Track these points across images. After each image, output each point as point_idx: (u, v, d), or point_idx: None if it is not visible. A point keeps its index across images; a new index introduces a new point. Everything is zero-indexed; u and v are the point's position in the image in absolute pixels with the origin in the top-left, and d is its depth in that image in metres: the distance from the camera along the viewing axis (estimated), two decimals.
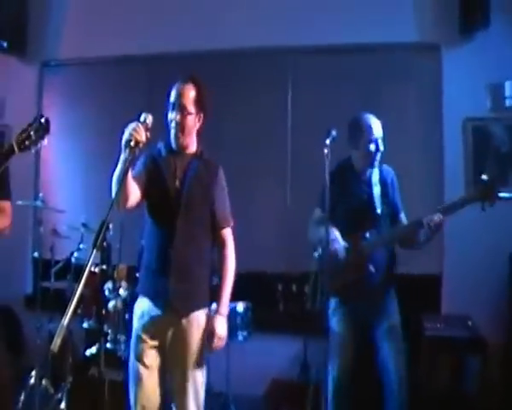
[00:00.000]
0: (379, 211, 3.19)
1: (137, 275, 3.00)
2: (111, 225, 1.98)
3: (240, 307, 3.93)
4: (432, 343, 3.73)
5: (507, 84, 4.27)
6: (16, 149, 2.40)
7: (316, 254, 3.18)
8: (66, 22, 5.14)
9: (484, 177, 3.12)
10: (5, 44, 4.91)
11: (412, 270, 4.14)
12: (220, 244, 2.70)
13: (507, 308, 4.01)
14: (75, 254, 4.14)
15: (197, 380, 2.55)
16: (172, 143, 2.63)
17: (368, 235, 3.15)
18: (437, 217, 2.99)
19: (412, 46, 4.55)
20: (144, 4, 4.94)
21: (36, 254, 4.46)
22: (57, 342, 1.71)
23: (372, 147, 3.14)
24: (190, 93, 2.57)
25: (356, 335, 3.16)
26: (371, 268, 3.11)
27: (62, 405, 3.68)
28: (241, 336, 3.92)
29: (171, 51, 4.79)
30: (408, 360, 3.25)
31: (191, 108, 2.57)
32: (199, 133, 2.67)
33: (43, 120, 2.43)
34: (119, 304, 3.78)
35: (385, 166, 3.28)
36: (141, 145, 2.28)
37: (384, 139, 3.17)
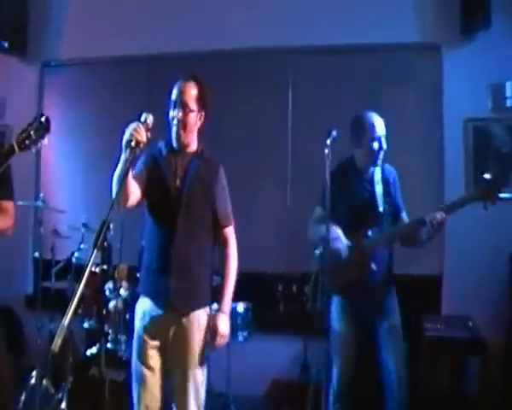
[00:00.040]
0: (381, 209, 3.19)
1: (138, 275, 3.00)
2: (111, 225, 1.98)
3: (240, 307, 3.94)
4: (432, 344, 3.72)
5: (508, 84, 4.26)
6: (16, 148, 2.40)
7: (317, 253, 3.18)
8: (66, 22, 5.14)
9: (487, 176, 3.11)
10: (6, 44, 4.92)
11: (412, 270, 4.15)
12: (223, 243, 2.70)
13: (507, 309, 4.01)
14: (76, 254, 4.15)
15: (198, 379, 2.55)
16: (173, 142, 2.63)
17: (370, 233, 3.15)
18: (439, 215, 2.99)
19: (413, 46, 4.55)
20: (145, 4, 4.95)
21: (36, 254, 4.47)
22: (58, 342, 1.71)
23: (375, 145, 3.13)
24: (192, 91, 2.58)
25: (357, 333, 3.16)
26: (373, 266, 3.11)
27: (63, 405, 3.68)
28: (241, 336, 3.92)
29: (171, 51, 4.79)
30: (408, 360, 3.25)
31: (193, 105, 2.57)
32: (200, 132, 2.68)
33: (43, 119, 2.42)
34: (120, 304, 3.78)
35: (387, 166, 3.28)
36: (141, 145, 2.28)
37: (387, 138, 3.18)
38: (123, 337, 3.75)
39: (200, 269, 2.62)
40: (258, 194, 4.81)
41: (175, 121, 2.58)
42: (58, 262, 4.19)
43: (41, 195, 4.20)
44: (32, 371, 3.88)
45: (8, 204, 2.72)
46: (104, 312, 3.76)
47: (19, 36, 5.04)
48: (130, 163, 2.28)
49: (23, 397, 3.78)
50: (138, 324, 2.62)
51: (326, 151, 2.82)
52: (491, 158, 4.31)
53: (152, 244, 2.64)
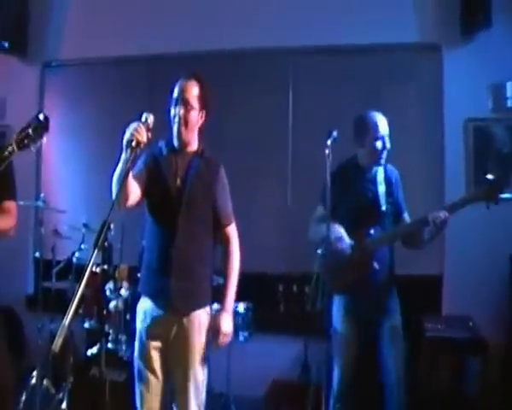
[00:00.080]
0: (383, 209, 3.19)
1: (138, 275, 3.00)
2: (112, 225, 1.97)
3: (241, 307, 3.94)
4: (432, 344, 3.73)
5: (508, 84, 4.26)
6: (15, 148, 2.40)
7: (319, 253, 3.18)
8: (67, 23, 5.14)
9: (489, 176, 3.12)
10: (6, 45, 4.92)
11: (413, 270, 4.15)
12: (225, 241, 2.70)
13: (508, 309, 4.01)
14: (76, 255, 4.15)
15: (198, 379, 2.56)
16: (174, 140, 2.63)
17: (372, 232, 3.15)
18: (442, 214, 2.99)
19: (413, 47, 4.55)
20: (145, 5, 4.95)
21: (37, 255, 4.47)
22: (58, 342, 1.71)
23: (378, 144, 3.13)
24: (194, 89, 2.58)
25: (359, 333, 3.15)
26: (375, 265, 3.11)
27: (63, 405, 3.69)
28: (241, 336, 3.92)
29: (171, 52, 4.79)
30: (409, 360, 3.25)
31: (194, 103, 2.58)
32: (200, 131, 2.68)
33: (41, 117, 2.42)
34: (121, 304, 3.78)
35: (389, 166, 3.28)
36: (142, 145, 2.28)
37: (390, 137, 3.17)
38: (123, 337, 3.75)
39: (201, 269, 2.62)
40: (258, 194, 4.81)
41: (176, 119, 2.58)
42: (59, 262, 4.19)
43: (42, 195, 4.20)
44: (33, 371, 3.88)
45: (11, 204, 2.71)
46: (105, 312, 3.76)
47: (19, 36, 5.05)
48: (131, 163, 2.27)
49: (24, 397, 3.78)
50: (140, 325, 2.62)
51: (326, 151, 2.82)
52: (491, 158, 4.31)
53: (152, 244, 2.64)
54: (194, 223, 2.58)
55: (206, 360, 2.59)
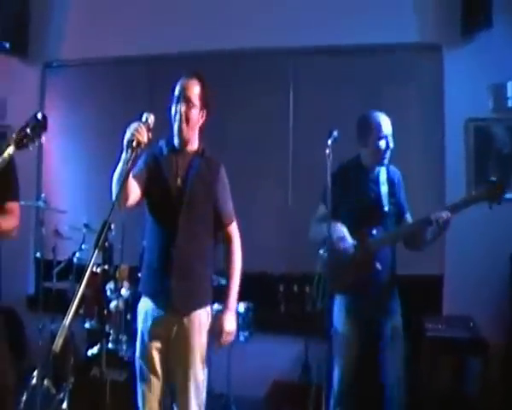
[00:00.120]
0: (386, 209, 3.18)
1: (139, 275, 3.00)
2: (113, 226, 1.98)
3: (241, 307, 3.94)
4: (433, 344, 3.73)
5: (509, 84, 4.26)
6: (14, 148, 2.39)
7: (321, 253, 3.17)
8: (67, 23, 5.15)
9: (493, 179, 3.12)
10: (7, 45, 4.92)
11: (413, 270, 4.14)
12: (226, 240, 2.71)
13: (508, 309, 4.01)
14: (77, 255, 4.16)
15: (198, 379, 2.56)
16: (175, 137, 2.63)
17: (375, 232, 3.15)
18: (445, 214, 2.98)
19: (414, 47, 4.55)
20: (145, 5, 4.95)
21: (38, 255, 4.47)
22: (59, 342, 1.71)
23: (382, 144, 3.12)
24: (195, 87, 2.59)
25: (360, 333, 3.15)
26: (378, 266, 3.11)
27: (64, 405, 3.69)
28: (242, 336, 3.92)
29: (172, 52, 4.79)
30: (409, 360, 3.25)
31: (196, 101, 2.58)
32: (201, 131, 2.68)
33: (39, 116, 2.41)
34: (121, 304, 3.78)
35: (392, 167, 3.27)
36: (142, 145, 2.28)
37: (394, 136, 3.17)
38: (124, 338, 3.75)
39: (202, 269, 2.62)
40: (259, 194, 4.81)
41: (177, 116, 2.58)
42: (59, 263, 4.20)
43: (42, 195, 4.20)
44: (34, 371, 3.88)
45: (14, 205, 2.70)
46: (105, 312, 3.75)
47: (20, 37, 5.05)
48: (132, 163, 2.27)
49: (24, 397, 3.78)
50: (141, 325, 2.63)
51: (327, 151, 2.82)
52: (492, 158, 4.31)
53: (153, 244, 2.64)
54: (195, 223, 2.58)
55: (206, 359, 2.60)
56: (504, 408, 3.79)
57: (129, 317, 3.77)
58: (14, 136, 2.40)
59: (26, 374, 3.89)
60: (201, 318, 2.59)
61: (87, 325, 3.92)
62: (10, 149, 2.38)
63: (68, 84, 5.27)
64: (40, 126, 2.41)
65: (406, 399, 3.13)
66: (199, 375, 2.56)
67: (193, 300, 2.59)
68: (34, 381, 3.84)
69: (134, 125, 2.30)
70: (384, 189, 3.21)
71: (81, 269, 3.64)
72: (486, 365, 3.67)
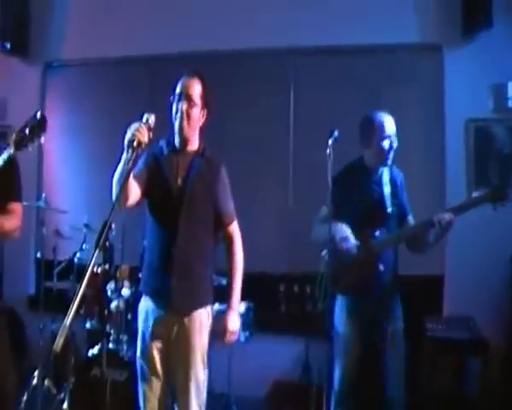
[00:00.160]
0: (389, 210, 3.18)
1: (140, 275, 3.01)
2: (113, 226, 1.98)
3: (241, 307, 3.93)
4: (433, 344, 3.73)
5: (509, 84, 4.26)
6: (13, 148, 2.39)
7: (324, 253, 3.17)
8: (68, 23, 5.15)
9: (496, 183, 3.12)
10: (8, 45, 4.93)
11: (414, 271, 4.13)
12: (228, 240, 2.71)
13: (509, 309, 4.01)
14: (78, 255, 4.16)
15: (199, 379, 2.56)
16: (176, 136, 2.63)
17: (377, 233, 3.15)
18: (448, 215, 2.98)
19: (414, 47, 4.55)
20: (146, 6, 4.95)
21: (38, 255, 4.48)
22: (60, 342, 1.72)
23: (385, 144, 3.11)
24: (196, 87, 2.60)
25: (361, 334, 3.15)
26: (381, 267, 3.11)
27: (65, 405, 3.69)
28: (242, 336, 3.92)
29: (172, 52, 4.79)
30: (410, 360, 3.25)
31: (197, 100, 2.59)
32: (201, 131, 2.69)
33: (38, 116, 2.41)
34: (122, 304, 3.79)
35: (394, 168, 3.27)
36: (143, 145, 2.28)
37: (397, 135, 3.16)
38: (125, 338, 3.75)
39: (202, 268, 2.62)
40: (259, 194, 4.81)
41: (178, 114, 2.58)
42: (60, 263, 4.20)
43: (43, 195, 4.20)
44: (34, 371, 3.88)
45: (16, 206, 2.70)
46: (106, 312, 3.77)
47: (21, 36, 5.06)
48: (132, 163, 2.27)
49: (25, 397, 3.78)
50: (142, 325, 2.63)
51: (327, 151, 2.82)
52: (492, 159, 4.31)
53: (153, 244, 2.64)
54: (196, 223, 2.59)
55: (206, 359, 2.60)
56: (504, 408, 3.79)
57: (129, 317, 3.77)
58: (14, 136, 2.40)
59: (27, 374, 3.89)
60: (202, 318, 2.59)
61: (88, 325, 3.92)
62: (10, 150, 2.38)
63: (69, 85, 5.28)
64: (39, 127, 2.41)
65: (406, 399, 3.13)
66: (199, 375, 2.56)
67: (193, 300, 2.59)
68: (35, 381, 3.84)
69: (135, 126, 2.30)
70: (387, 190, 3.20)
71: (82, 269, 3.65)
72: (487, 365, 3.67)
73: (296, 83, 4.79)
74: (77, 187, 5.14)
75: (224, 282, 3.56)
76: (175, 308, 2.55)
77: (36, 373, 3.87)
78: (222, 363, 3.82)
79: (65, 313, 1.75)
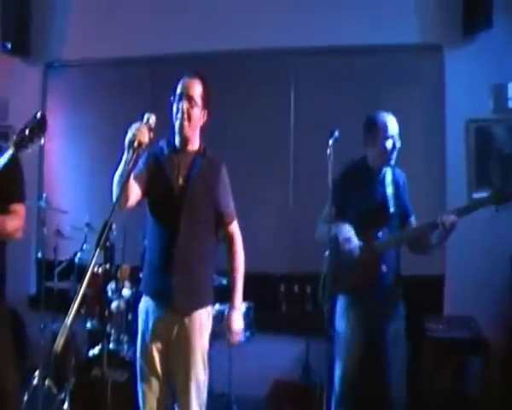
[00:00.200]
0: (392, 211, 3.18)
1: (140, 275, 3.01)
2: (114, 226, 1.99)
3: (242, 307, 3.93)
4: (434, 344, 3.73)
5: (510, 85, 4.27)
6: (14, 150, 2.39)
7: (327, 254, 3.16)
8: (69, 24, 5.16)
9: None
10: (9, 46, 4.94)
11: (415, 271, 4.13)
12: (228, 239, 2.72)
13: (509, 309, 4.01)
14: (78, 255, 4.16)
15: (199, 379, 2.56)
16: (176, 135, 2.63)
17: (380, 234, 3.15)
18: (451, 217, 2.98)
19: (414, 47, 4.55)
20: (147, 6, 4.95)
21: (39, 255, 4.47)
22: (60, 342, 1.72)
23: (389, 144, 3.10)
24: (197, 87, 2.60)
25: (363, 334, 3.14)
26: (383, 268, 3.11)
27: (65, 405, 3.69)
28: (243, 336, 3.91)
29: (173, 53, 4.80)
30: (410, 360, 3.25)
31: (198, 100, 2.59)
32: (202, 131, 2.69)
33: (38, 116, 2.41)
34: (122, 304, 3.79)
35: (397, 169, 3.27)
36: (144, 146, 2.28)
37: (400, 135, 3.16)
38: (125, 338, 3.76)
39: (203, 268, 2.63)
40: (260, 194, 4.81)
41: (179, 114, 2.59)
42: (61, 263, 4.20)
43: (44, 195, 4.20)
44: (35, 371, 3.88)
45: (19, 207, 2.70)
46: (106, 312, 3.77)
47: (22, 37, 5.06)
48: (133, 164, 2.28)
49: (26, 397, 3.78)
50: (142, 325, 2.64)
51: (328, 151, 2.83)
52: (492, 159, 4.31)
53: (154, 244, 2.64)
54: (196, 222, 2.59)
55: (207, 359, 2.60)
56: (505, 408, 3.79)
57: (130, 317, 3.77)
58: (14, 137, 2.40)
59: (28, 374, 3.89)
60: (202, 318, 2.59)
61: (88, 326, 3.92)
62: (10, 151, 2.39)
63: (70, 85, 5.28)
64: (39, 127, 2.41)
65: (407, 399, 3.13)
66: (200, 375, 2.56)
67: (194, 300, 2.59)
68: (35, 381, 3.84)
69: (135, 126, 2.30)
70: (390, 190, 3.20)
71: (82, 269, 3.64)
72: (487, 365, 3.67)
73: (296, 83, 4.79)
74: (78, 187, 5.14)
75: (225, 282, 3.56)
76: (175, 308, 2.55)
77: (36, 373, 3.87)
78: (222, 363, 3.83)
79: (65, 313, 1.75)
